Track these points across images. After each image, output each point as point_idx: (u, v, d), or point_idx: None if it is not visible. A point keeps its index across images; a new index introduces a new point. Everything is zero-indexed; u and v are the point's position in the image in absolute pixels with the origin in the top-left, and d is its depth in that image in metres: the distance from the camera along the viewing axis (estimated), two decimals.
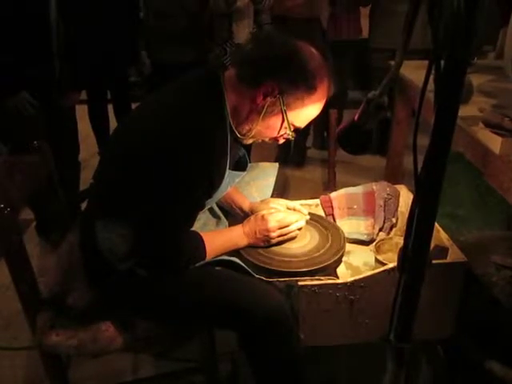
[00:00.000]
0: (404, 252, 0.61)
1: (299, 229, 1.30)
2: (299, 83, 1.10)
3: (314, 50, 1.13)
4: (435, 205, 0.59)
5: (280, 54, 1.08)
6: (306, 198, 1.56)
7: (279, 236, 1.26)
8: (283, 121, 1.15)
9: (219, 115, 1.13)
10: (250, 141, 1.22)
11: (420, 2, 0.82)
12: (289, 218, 1.26)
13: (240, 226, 1.27)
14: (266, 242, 1.25)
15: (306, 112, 1.15)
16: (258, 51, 1.11)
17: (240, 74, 1.13)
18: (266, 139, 1.24)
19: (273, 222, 1.23)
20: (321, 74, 1.12)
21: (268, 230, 1.23)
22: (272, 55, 1.09)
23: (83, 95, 2.79)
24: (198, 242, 1.15)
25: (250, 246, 1.27)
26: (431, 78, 0.58)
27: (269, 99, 1.11)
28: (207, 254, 1.16)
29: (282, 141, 1.24)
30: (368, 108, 0.87)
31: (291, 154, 3.42)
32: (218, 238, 1.23)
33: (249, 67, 1.11)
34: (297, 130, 1.20)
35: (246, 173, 1.31)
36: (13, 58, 1.99)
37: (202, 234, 1.17)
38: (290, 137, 1.20)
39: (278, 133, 1.19)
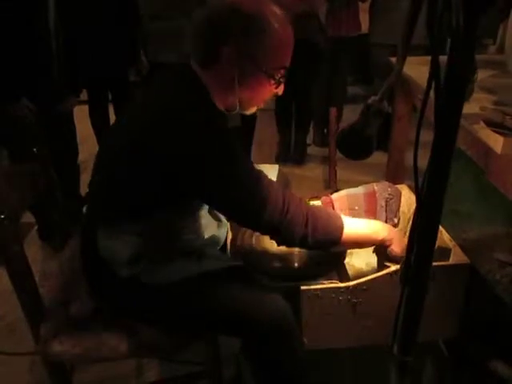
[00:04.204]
0: (406, 265, 0.60)
1: None
2: (250, 32, 1.03)
3: None
4: (438, 217, 0.58)
5: (216, 19, 1.04)
6: (306, 196, 1.55)
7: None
8: (260, 74, 1.07)
9: (209, 103, 1.09)
10: (247, 112, 1.16)
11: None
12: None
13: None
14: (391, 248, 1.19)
15: (276, 50, 1.07)
16: (197, 29, 1.07)
17: (197, 57, 1.09)
18: (261, 102, 1.16)
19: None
20: (267, 11, 1.06)
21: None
22: (209, 25, 1.04)
23: (83, 95, 2.78)
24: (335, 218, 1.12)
25: (250, 250, 1.26)
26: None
27: (235, 63, 1.05)
28: (344, 232, 1.11)
29: (279, 90, 1.14)
30: (368, 113, 0.86)
31: (291, 152, 3.41)
32: (361, 222, 1.19)
33: (199, 47, 1.08)
34: (286, 69, 1.11)
35: None
36: (11, 62, 1.98)
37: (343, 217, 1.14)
38: (281, 81, 1.11)
39: (267, 87, 1.11)
